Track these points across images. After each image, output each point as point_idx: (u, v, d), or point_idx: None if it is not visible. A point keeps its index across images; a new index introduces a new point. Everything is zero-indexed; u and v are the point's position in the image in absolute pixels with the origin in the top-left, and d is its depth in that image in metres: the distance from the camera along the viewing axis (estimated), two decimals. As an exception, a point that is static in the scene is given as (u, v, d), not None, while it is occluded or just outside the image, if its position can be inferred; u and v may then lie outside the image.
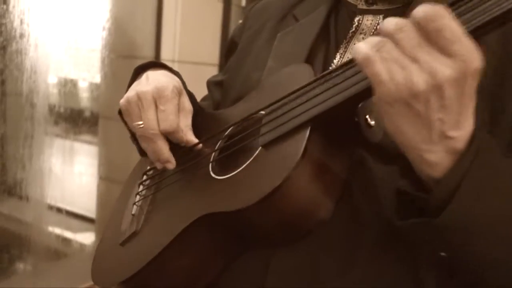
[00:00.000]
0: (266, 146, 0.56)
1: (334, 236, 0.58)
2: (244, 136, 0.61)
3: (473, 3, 0.44)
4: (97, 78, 2.31)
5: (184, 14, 2.12)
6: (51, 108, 2.24)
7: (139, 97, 0.65)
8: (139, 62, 2.19)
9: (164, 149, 0.66)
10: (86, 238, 2.33)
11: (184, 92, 0.70)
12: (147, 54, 2.18)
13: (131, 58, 2.23)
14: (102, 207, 2.33)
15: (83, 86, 2.57)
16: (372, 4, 0.71)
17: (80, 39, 2.25)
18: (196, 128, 0.70)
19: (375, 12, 0.70)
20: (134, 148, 0.77)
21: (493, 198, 0.48)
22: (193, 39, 2.19)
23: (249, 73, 0.76)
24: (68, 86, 2.35)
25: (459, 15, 0.44)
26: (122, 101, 0.68)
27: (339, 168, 0.55)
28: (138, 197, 0.74)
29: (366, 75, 0.45)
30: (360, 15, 0.71)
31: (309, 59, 0.69)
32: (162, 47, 2.16)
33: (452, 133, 0.45)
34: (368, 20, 0.70)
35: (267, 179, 0.52)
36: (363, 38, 0.70)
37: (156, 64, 0.76)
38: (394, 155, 0.58)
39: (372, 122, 0.55)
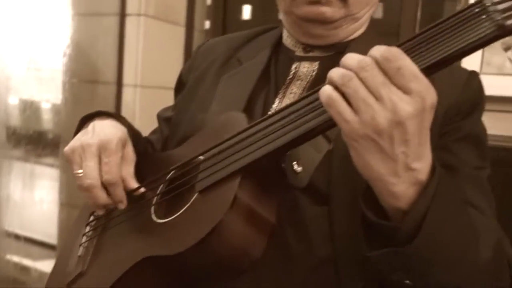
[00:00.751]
0: (202, 192, 0.60)
1: (267, 274, 0.61)
2: (184, 181, 0.64)
3: (420, 43, 0.49)
4: (60, 100, 2.29)
5: (146, 38, 2.14)
6: (11, 131, 2.22)
7: (83, 148, 0.68)
8: (101, 87, 2.19)
9: (100, 197, 0.68)
10: (46, 266, 2.28)
11: (129, 142, 0.74)
12: (109, 79, 2.18)
13: (93, 83, 2.22)
14: (63, 233, 2.29)
15: (45, 107, 2.54)
16: (309, 51, 0.75)
17: (42, 62, 2.25)
18: (143, 169, 0.72)
19: (311, 59, 0.75)
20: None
21: (453, 227, 0.52)
22: (155, 63, 2.20)
23: (194, 114, 0.79)
24: (30, 108, 2.33)
25: (409, 54, 0.48)
26: (66, 149, 0.71)
27: (269, 211, 0.58)
28: (84, 238, 0.75)
29: (331, 115, 0.49)
30: (298, 61, 0.76)
31: (250, 104, 0.74)
32: (124, 72, 2.16)
33: (415, 165, 0.49)
34: (304, 68, 0.75)
35: (202, 224, 0.56)
36: (300, 84, 0.74)
37: (103, 113, 0.79)
38: (326, 197, 0.62)
39: (299, 169, 0.58)
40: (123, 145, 0.71)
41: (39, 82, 2.32)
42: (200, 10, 2.46)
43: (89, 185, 0.67)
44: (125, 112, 2.16)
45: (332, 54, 0.74)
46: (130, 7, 2.11)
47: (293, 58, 0.77)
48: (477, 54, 1.66)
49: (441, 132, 0.69)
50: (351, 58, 0.48)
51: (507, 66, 1.62)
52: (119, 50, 2.15)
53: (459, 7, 1.68)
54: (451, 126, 0.69)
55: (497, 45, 1.63)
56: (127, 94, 2.16)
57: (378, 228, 0.53)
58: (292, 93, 0.74)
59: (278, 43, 0.82)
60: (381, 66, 0.46)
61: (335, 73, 0.48)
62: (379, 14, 1.97)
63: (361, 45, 0.71)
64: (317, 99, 0.52)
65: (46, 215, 2.40)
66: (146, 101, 2.16)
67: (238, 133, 0.60)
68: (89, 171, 0.67)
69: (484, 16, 0.46)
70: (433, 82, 0.53)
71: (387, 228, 0.52)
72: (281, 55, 0.79)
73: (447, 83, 0.62)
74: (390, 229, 0.51)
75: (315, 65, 0.75)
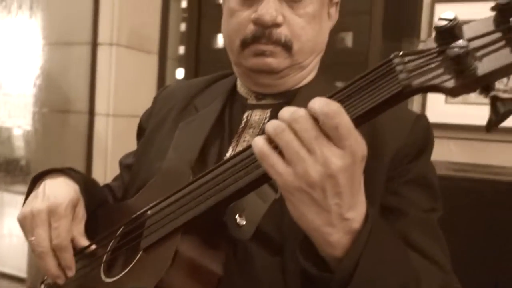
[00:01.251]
0: (146, 249, 0.61)
1: None
2: (132, 237, 0.65)
3: (352, 93, 0.50)
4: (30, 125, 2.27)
5: (119, 67, 2.13)
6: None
7: (33, 214, 0.69)
8: (73, 116, 2.16)
9: (51, 267, 0.69)
10: (15, 300, 2.22)
11: (81, 201, 0.73)
12: (81, 108, 2.16)
13: (64, 112, 2.20)
14: (34, 266, 2.23)
15: (17, 134, 2.50)
16: (261, 99, 0.77)
17: (13, 89, 2.22)
18: (101, 222, 0.74)
19: (263, 107, 0.77)
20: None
21: (389, 274, 0.53)
22: (128, 92, 2.19)
23: (152, 162, 0.80)
24: (1, 134, 2.29)
25: (342, 103, 0.49)
26: (18, 216, 0.71)
27: (215, 264, 0.59)
28: None
29: (264, 167, 0.49)
30: (250, 109, 0.77)
31: (204, 152, 0.74)
32: (97, 101, 2.14)
33: (349, 215, 0.50)
34: (256, 116, 0.76)
35: (144, 283, 0.57)
36: (252, 132, 0.75)
37: (54, 170, 0.78)
38: (279, 247, 0.62)
39: (243, 222, 0.60)
40: (74, 206, 0.72)
41: (10, 108, 2.29)
42: (173, 38, 2.48)
43: (40, 253, 0.68)
44: (97, 142, 2.14)
45: (283, 102, 0.76)
46: (102, 37, 2.10)
47: (246, 106, 0.78)
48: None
49: (389, 176, 0.70)
50: (286, 110, 0.49)
51: (471, 96, 1.67)
52: (91, 79, 2.13)
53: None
54: (399, 169, 0.70)
55: (461, 75, 1.68)
56: (99, 124, 2.14)
57: (315, 278, 0.54)
58: (245, 141, 0.75)
59: (233, 90, 0.83)
60: (319, 120, 0.47)
61: (269, 125, 0.49)
62: (349, 44, 2.05)
63: (310, 92, 0.73)
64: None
65: (15, 247, 2.33)
66: (119, 130, 2.14)
67: (181, 189, 0.61)
68: (39, 239, 0.67)
69: (391, 76, 0.47)
70: (380, 127, 0.54)
71: (322, 278, 0.53)
72: (235, 103, 0.81)
73: (394, 127, 0.63)
74: (326, 278, 0.52)
75: (267, 113, 0.77)
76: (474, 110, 1.66)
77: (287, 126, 0.48)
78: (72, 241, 0.70)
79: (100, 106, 2.13)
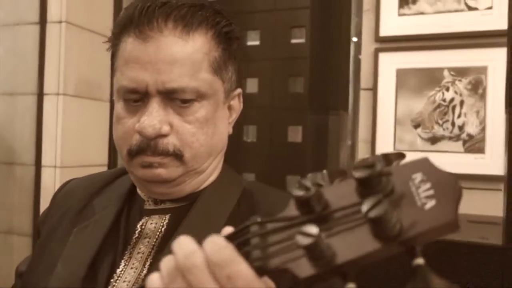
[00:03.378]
0: None
1: None
2: None
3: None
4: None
5: (66, 117, 2.07)
6: None
7: None
8: (19, 168, 2.07)
9: None
10: None
11: None
12: (27, 161, 2.09)
13: (9, 164, 2.12)
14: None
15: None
16: (159, 203, 0.71)
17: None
18: None
19: (162, 212, 0.71)
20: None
21: None
22: (76, 142, 2.14)
23: (39, 277, 0.71)
24: None
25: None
26: None
27: None
28: None
29: None
30: (147, 216, 0.71)
31: (94, 267, 0.67)
32: (43, 153, 2.07)
33: None
34: (152, 224, 0.70)
35: None
36: (148, 242, 0.69)
37: None
38: None
39: None
40: None
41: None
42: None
43: None
44: (44, 193, 2.07)
45: (183, 205, 0.71)
46: (48, 87, 2.05)
47: (142, 212, 0.72)
48: (390, 132, 1.71)
49: None
50: (179, 248, 0.40)
51: (417, 143, 1.68)
52: (37, 130, 2.07)
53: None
54: None
55: (407, 122, 1.69)
56: (46, 176, 2.07)
57: None
58: (140, 253, 0.69)
59: (133, 190, 0.76)
60: (212, 269, 0.38)
61: (163, 265, 0.41)
62: (254, 89, 2.17)
63: (212, 195, 0.70)
64: None
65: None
66: (67, 182, 2.07)
67: None
68: None
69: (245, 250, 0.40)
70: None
71: None
72: (134, 205, 0.74)
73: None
74: None
75: (164, 219, 0.71)
76: (447, 159, 1.66)
77: (180, 274, 0.40)
78: None
79: (47, 157, 2.07)
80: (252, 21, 2.20)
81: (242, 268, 0.38)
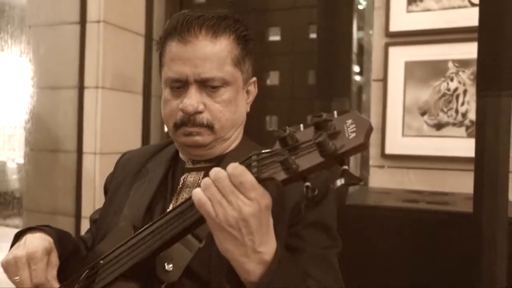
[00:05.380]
0: None
1: None
2: (89, 282, 0.83)
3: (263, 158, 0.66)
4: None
5: (104, 108, 2.26)
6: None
7: (15, 260, 0.85)
8: (63, 155, 2.27)
9: None
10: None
11: (54, 250, 0.89)
12: (70, 148, 2.29)
13: (54, 152, 2.32)
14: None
15: (11, 167, 2.61)
16: (196, 163, 0.95)
17: (7, 126, 2.35)
18: (70, 267, 0.90)
19: (198, 170, 0.94)
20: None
21: None
22: (113, 131, 2.33)
23: (111, 218, 0.96)
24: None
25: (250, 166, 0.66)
26: (2, 261, 0.87)
27: None
28: None
29: (202, 212, 0.66)
30: (187, 172, 0.94)
31: (150, 209, 0.92)
32: (84, 141, 2.27)
33: (261, 249, 0.67)
34: (191, 178, 0.94)
35: None
36: (189, 191, 0.92)
37: (34, 228, 0.94)
38: (207, 283, 0.81)
39: (170, 266, 0.78)
40: (48, 253, 0.87)
41: (4, 141, 2.42)
42: (156, 76, 2.62)
43: (22, 287, 0.84)
44: (85, 178, 2.26)
45: (214, 164, 0.92)
46: (88, 81, 2.25)
47: (184, 169, 0.95)
48: (399, 119, 1.86)
49: (291, 224, 0.86)
50: (212, 171, 0.66)
51: (424, 129, 1.83)
52: (79, 121, 2.27)
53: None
54: (298, 217, 0.86)
55: (415, 110, 1.84)
56: (87, 162, 2.27)
57: None
58: (183, 199, 0.90)
59: (177, 156, 1.00)
60: (231, 179, 0.64)
61: (202, 182, 0.67)
62: (275, 82, 2.37)
63: (234, 156, 0.90)
64: (190, 206, 0.72)
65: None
66: (106, 167, 2.27)
67: (125, 243, 0.80)
68: (22, 279, 0.83)
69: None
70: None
71: None
72: (177, 166, 0.98)
73: (295, 184, 0.79)
74: None
75: (200, 175, 0.93)
76: (428, 142, 1.82)
77: (212, 183, 0.66)
78: (46, 284, 0.85)
79: (88, 145, 2.27)
80: (273, 18, 2.37)
81: (248, 177, 0.64)
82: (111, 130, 2.31)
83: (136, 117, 2.50)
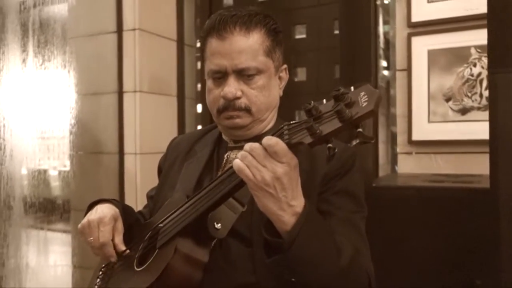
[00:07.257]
0: (160, 248, 0.95)
1: None
2: (153, 240, 0.98)
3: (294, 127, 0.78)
4: (67, 166, 2.54)
5: (142, 111, 2.39)
6: (24, 200, 2.46)
7: (89, 223, 1.01)
8: (105, 157, 2.42)
9: (109, 251, 1.01)
10: (64, 325, 2.45)
11: (119, 218, 1.04)
12: (112, 150, 2.43)
13: (97, 154, 2.47)
14: (77, 293, 2.48)
15: (53, 174, 2.78)
16: (237, 142, 1.09)
17: (49, 134, 2.52)
18: (135, 233, 1.05)
19: (239, 148, 1.07)
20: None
21: (319, 241, 0.83)
22: (152, 132, 2.46)
23: (166, 192, 1.11)
24: (39, 176, 2.59)
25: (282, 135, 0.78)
26: (79, 225, 1.02)
27: (202, 254, 0.92)
28: (96, 286, 1.07)
29: (242, 178, 0.79)
30: (230, 150, 1.09)
31: (200, 182, 1.06)
32: (125, 142, 2.41)
33: (293, 202, 0.79)
34: (233, 154, 1.08)
35: (158, 268, 0.90)
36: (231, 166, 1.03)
37: (105, 200, 1.10)
38: (249, 241, 0.95)
39: (219, 225, 0.92)
40: (115, 220, 1.03)
41: (47, 151, 2.59)
42: (190, 78, 2.74)
43: (94, 247, 1.01)
44: (127, 177, 2.40)
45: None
46: (127, 85, 2.39)
47: (227, 148, 1.10)
48: (425, 106, 1.92)
49: (321, 191, 0.98)
50: (248, 145, 0.79)
51: (449, 114, 1.88)
52: (119, 123, 2.41)
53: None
54: (328, 186, 0.98)
55: (439, 97, 1.90)
56: (129, 162, 2.41)
57: (272, 244, 0.82)
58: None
59: (220, 137, 1.14)
60: (266, 149, 0.76)
61: (239, 153, 0.80)
62: (303, 78, 2.44)
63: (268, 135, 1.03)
64: (231, 174, 0.85)
65: (60, 278, 2.59)
66: (145, 166, 2.40)
67: (179, 208, 0.94)
68: (94, 238, 1.00)
69: (281, 137, 0.80)
70: (315, 155, 0.87)
71: (276, 243, 0.81)
72: (221, 146, 1.12)
73: (323, 156, 0.85)
74: (278, 243, 0.80)
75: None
76: (454, 127, 1.87)
77: (248, 153, 0.78)
78: (114, 247, 1.01)
79: (128, 146, 2.40)
80: (299, 16, 2.46)
81: (280, 145, 0.76)
82: (149, 131, 2.44)
83: (172, 118, 2.63)
